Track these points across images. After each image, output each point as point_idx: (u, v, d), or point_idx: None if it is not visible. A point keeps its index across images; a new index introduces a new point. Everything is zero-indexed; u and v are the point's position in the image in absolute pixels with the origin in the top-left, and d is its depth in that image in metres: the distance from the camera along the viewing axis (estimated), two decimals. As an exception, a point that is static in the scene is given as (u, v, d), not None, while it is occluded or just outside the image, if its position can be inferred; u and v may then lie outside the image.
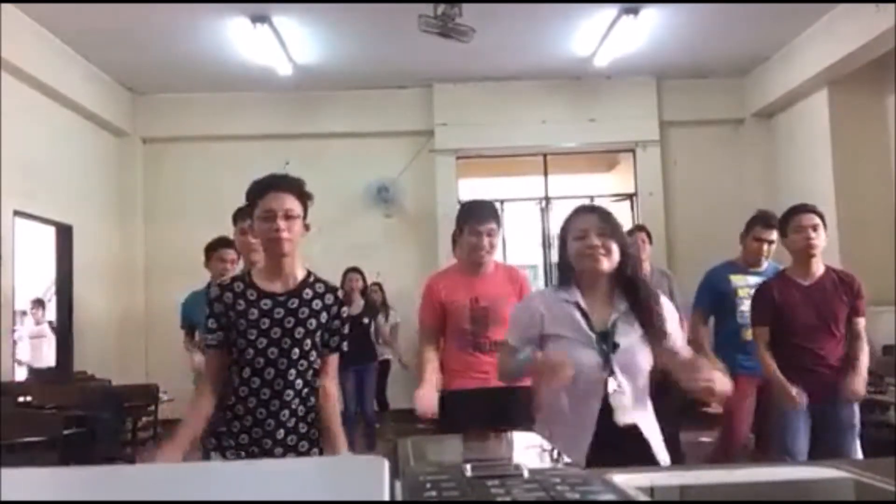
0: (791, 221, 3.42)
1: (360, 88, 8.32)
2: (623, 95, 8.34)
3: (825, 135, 7.32)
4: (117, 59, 7.37)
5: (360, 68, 7.81)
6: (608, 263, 2.15)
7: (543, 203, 8.82)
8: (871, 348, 3.56)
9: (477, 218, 3.13)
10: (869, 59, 6.53)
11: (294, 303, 2.33)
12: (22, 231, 6.54)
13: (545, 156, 8.73)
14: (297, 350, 2.30)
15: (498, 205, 8.79)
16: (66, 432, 4.47)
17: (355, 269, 6.82)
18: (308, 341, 2.32)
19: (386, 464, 0.88)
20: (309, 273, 2.42)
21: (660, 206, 8.32)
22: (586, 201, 9.24)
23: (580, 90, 8.33)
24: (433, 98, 8.43)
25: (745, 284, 4.03)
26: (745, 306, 3.88)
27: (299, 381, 2.31)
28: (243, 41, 6.86)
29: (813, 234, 3.35)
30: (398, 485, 0.85)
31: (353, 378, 6.57)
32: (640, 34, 6.93)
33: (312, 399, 2.35)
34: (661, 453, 2.13)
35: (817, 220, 3.38)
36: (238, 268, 3.73)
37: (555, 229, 8.85)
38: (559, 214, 8.78)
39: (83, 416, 5.03)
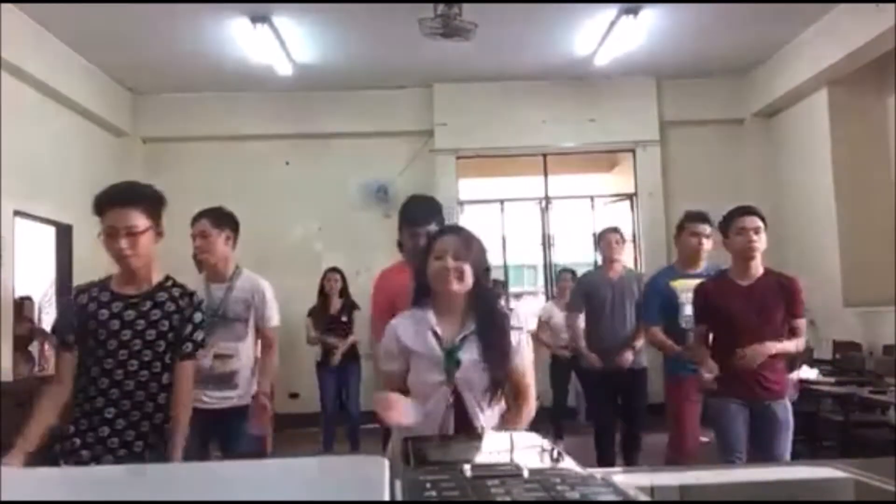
0: (734, 223, 3.46)
1: (360, 88, 8.32)
2: (623, 95, 8.33)
3: (825, 135, 7.32)
4: (117, 59, 7.37)
5: (360, 68, 7.81)
6: (458, 286, 2.23)
7: (543, 203, 8.82)
8: (808, 348, 3.67)
9: (406, 217, 3.10)
10: (869, 59, 6.53)
11: (146, 305, 2.34)
12: (22, 231, 6.53)
13: (545, 156, 8.73)
14: (148, 352, 2.30)
15: (498, 205, 8.92)
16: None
17: (335, 269, 6.91)
18: (162, 342, 2.32)
19: (386, 464, 0.89)
20: (167, 277, 2.43)
21: (660, 206, 8.32)
22: (587, 201, 9.32)
23: (580, 90, 8.33)
24: (433, 98, 8.43)
25: (684, 288, 4.03)
26: (688, 310, 3.91)
27: (153, 384, 2.31)
28: (243, 41, 6.86)
29: (755, 237, 3.39)
30: (398, 485, 0.85)
31: (335, 377, 6.60)
32: (640, 34, 6.93)
33: (163, 402, 2.33)
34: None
35: (759, 223, 3.43)
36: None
37: (555, 229, 8.88)
38: (559, 214, 8.80)
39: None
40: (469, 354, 2.22)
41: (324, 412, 6.73)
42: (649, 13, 6.52)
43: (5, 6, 5.76)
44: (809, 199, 7.51)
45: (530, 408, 2.29)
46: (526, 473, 0.83)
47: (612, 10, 6.50)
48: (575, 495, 0.76)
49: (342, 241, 8.15)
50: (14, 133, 6.07)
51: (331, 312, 6.77)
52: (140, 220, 2.30)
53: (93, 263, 7.51)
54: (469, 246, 2.27)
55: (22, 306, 6.80)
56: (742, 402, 3.36)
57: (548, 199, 8.80)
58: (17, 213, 6.32)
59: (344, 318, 6.73)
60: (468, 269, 2.23)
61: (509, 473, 0.83)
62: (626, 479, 0.99)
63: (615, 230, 5.13)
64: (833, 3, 6.45)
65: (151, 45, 6.96)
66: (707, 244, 4.12)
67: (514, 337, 2.28)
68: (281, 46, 6.97)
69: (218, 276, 3.58)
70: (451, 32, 5.92)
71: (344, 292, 6.87)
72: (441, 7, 5.86)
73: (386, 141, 8.52)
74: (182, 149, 8.53)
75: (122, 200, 2.29)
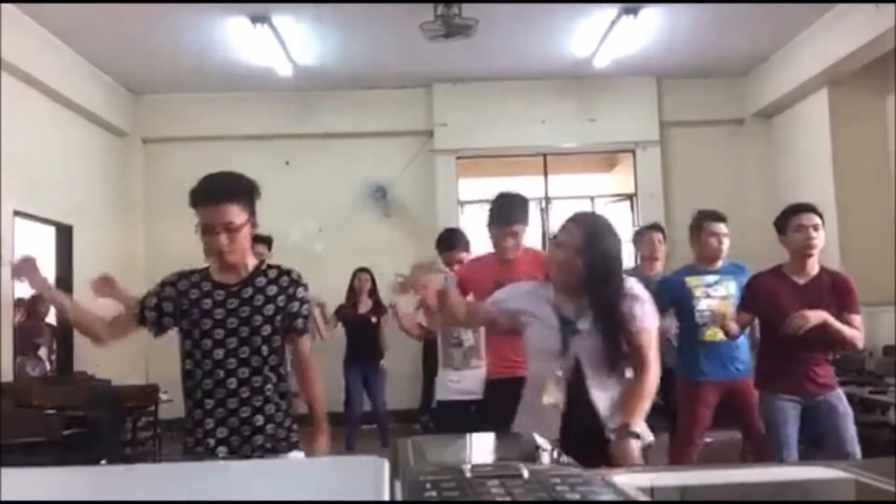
0: (792, 220, 3.43)
1: (360, 88, 8.32)
2: (623, 95, 8.33)
3: (825, 135, 7.32)
4: (117, 59, 7.37)
5: (360, 68, 7.81)
6: (567, 277, 2.40)
7: (543, 203, 8.82)
8: (865, 347, 3.65)
9: (493, 218, 3.32)
10: (869, 59, 6.53)
11: (248, 292, 2.32)
12: (22, 231, 6.53)
13: (545, 156, 8.73)
14: (257, 338, 2.29)
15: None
16: (66, 432, 4.48)
17: (364, 269, 6.86)
18: (268, 327, 2.30)
19: (386, 464, 0.89)
20: (262, 261, 2.43)
21: (660, 206, 8.31)
22: (586, 202, 9.32)
23: (580, 90, 8.33)
24: (433, 98, 8.43)
25: (700, 283, 4.00)
26: (703, 305, 3.90)
27: (266, 368, 2.30)
28: (243, 41, 6.86)
29: (814, 234, 3.37)
30: (398, 485, 0.85)
31: (361, 379, 6.59)
32: (640, 34, 6.93)
33: (283, 386, 2.36)
34: (610, 423, 2.33)
35: (818, 220, 3.41)
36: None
37: (555, 229, 8.86)
38: (559, 214, 8.79)
39: (83, 416, 5.04)
40: (585, 325, 2.36)
41: (349, 411, 6.64)
42: (649, 13, 6.51)
43: (5, 6, 5.76)
44: (809, 199, 7.44)
45: (651, 380, 2.33)
46: (526, 473, 0.83)
47: (611, 11, 6.50)
48: (575, 496, 0.76)
49: (342, 241, 8.15)
50: (14, 133, 6.07)
51: (360, 312, 6.77)
52: (238, 215, 2.28)
53: (93, 263, 7.55)
54: (593, 240, 2.37)
55: (35, 304, 6.77)
56: (796, 400, 3.34)
57: (548, 199, 8.79)
58: (17, 213, 6.32)
59: (374, 319, 6.71)
60: (582, 263, 2.35)
61: (509, 473, 0.83)
62: (626, 479, 0.99)
63: (658, 227, 5.03)
64: (833, 3, 6.45)
65: (151, 45, 6.96)
66: (726, 243, 4.08)
67: (631, 307, 2.38)
68: (281, 46, 6.96)
69: None
70: (453, 32, 5.92)
71: (373, 293, 6.83)
72: (441, 8, 5.86)
73: (386, 141, 8.52)
74: (182, 149, 8.52)
75: (220, 196, 2.27)
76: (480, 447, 1.23)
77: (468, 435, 1.27)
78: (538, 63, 7.79)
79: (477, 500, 0.75)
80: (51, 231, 7.20)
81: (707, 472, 1.23)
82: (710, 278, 3.94)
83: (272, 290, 2.33)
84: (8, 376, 6.06)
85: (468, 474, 0.83)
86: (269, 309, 2.31)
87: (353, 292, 6.84)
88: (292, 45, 7.04)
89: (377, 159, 8.48)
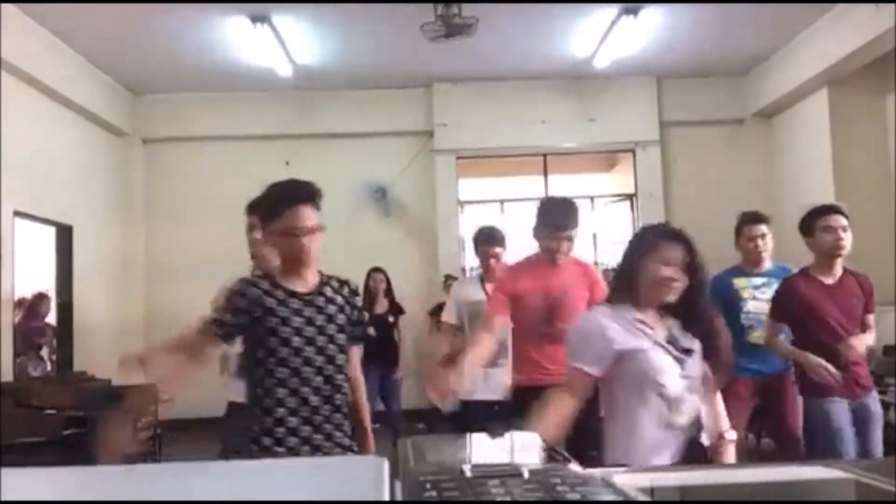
0: (819, 221, 3.41)
1: (360, 88, 8.32)
2: (623, 95, 8.33)
3: (825, 135, 7.32)
4: (117, 59, 7.37)
5: (360, 68, 7.81)
6: (675, 297, 2.19)
7: (543, 203, 8.81)
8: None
9: (551, 222, 3.23)
10: (869, 59, 6.53)
11: (320, 300, 2.34)
12: (22, 231, 6.53)
13: (545, 156, 8.73)
14: (332, 346, 2.32)
15: (498, 205, 8.92)
16: (66, 432, 4.48)
17: (379, 270, 6.86)
18: (341, 335, 2.34)
19: (386, 464, 0.89)
20: (319, 271, 2.44)
21: (660, 206, 8.32)
22: (587, 202, 9.32)
23: (580, 90, 8.33)
24: (433, 98, 8.43)
25: (748, 285, 3.97)
26: (750, 306, 3.87)
27: (339, 377, 2.34)
28: (243, 41, 6.86)
29: (843, 235, 3.36)
30: (398, 485, 0.85)
31: (378, 379, 6.60)
32: (640, 34, 6.93)
33: (346, 393, 2.39)
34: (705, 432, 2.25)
35: (846, 222, 3.40)
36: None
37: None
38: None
39: (83, 416, 5.04)
40: (690, 343, 2.20)
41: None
42: (649, 13, 6.51)
43: (5, 6, 5.76)
44: (809, 199, 7.49)
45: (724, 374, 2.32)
46: (526, 473, 0.83)
47: (611, 11, 6.50)
48: (575, 496, 0.76)
49: (342, 241, 8.13)
50: (14, 133, 6.07)
51: (376, 312, 6.76)
52: (316, 219, 2.30)
53: (93, 263, 7.56)
54: (695, 256, 2.19)
55: (36, 304, 6.77)
56: (846, 401, 3.31)
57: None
58: (17, 213, 6.32)
59: (391, 319, 6.75)
60: (685, 282, 2.17)
61: (509, 473, 0.83)
62: (626, 479, 0.99)
63: (763, 219, 4.75)
64: (833, 3, 6.45)
65: (151, 45, 6.96)
66: (764, 243, 4.01)
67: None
68: (281, 46, 6.97)
69: None
70: (454, 31, 5.92)
71: (389, 292, 6.84)
72: (440, 8, 5.86)
73: (386, 141, 8.52)
74: (182, 149, 8.53)
75: (301, 200, 2.28)
76: (480, 447, 1.23)
77: (468, 435, 1.27)
78: (538, 63, 7.79)
79: (477, 500, 0.75)
80: (51, 231, 7.20)
81: (707, 472, 1.23)
82: (758, 280, 3.90)
83: (339, 299, 2.38)
84: (8, 376, 6.06)
85: (468, 474, 0.83)
86: (341, 318, 2.35)
87: (368, 293, 6.82)
88: (292, 45, 7.04)
89: (377, 159, 8.48)
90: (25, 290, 7.04)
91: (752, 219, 4.04)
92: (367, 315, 2.51)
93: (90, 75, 7.46)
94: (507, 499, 0.75)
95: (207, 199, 8.24)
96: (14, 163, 6.05)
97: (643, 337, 2.17)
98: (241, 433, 2.34)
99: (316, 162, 8.40)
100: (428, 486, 0.79)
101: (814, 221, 3.43)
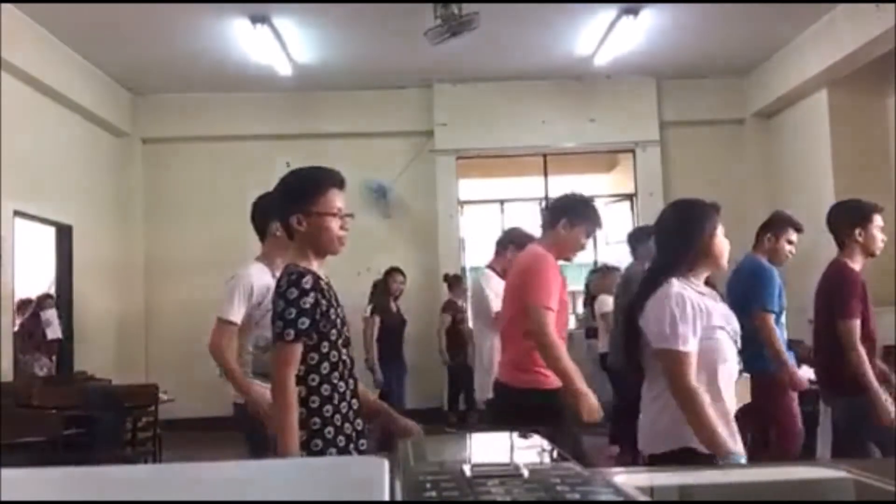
0: (874, 219, 3.39)
1: (360, 88, 8.32)
2: (623, 95, 8.34)
3: (825, 135, 7.32)
4: (117, 59, 7.37)
5: (360, 68, 7.81)
6: None
7: (543, 203, 8.81)
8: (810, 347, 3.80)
9: (598, 223, 3.26)
10: (869, 59, 6.53)
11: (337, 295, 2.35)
12: (22, 231, 6.54)
13: (545, 156, 8.73)
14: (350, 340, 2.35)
15: (498, 205, 8.92)
16: (66, 432, 4.47)
17: (398, 270, 7.00)
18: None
19: (386, 464, 0.89)
20: None
21: (660, 206, 8.23)
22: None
23: (580, 90, 8.33)
24: (433, 98, 8.43)
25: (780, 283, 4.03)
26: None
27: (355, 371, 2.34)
28: (243, 41, 6.86)
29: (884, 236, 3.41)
30: (398, 485, 0.85)
31: (395, 377, 6.71)
32: (640, 34, 6.93)
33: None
34: None
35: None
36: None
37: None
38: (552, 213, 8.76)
39: (83, 416, 5.04)
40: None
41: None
42: (649, 13, 6.52)
43: (5, 6, 5.76)
44: (809, 199, 7.51)
45: None
46: (526, 473, 0.83)
47: (612, 11, 6.50)
48: (575, 495, 0.76)
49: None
50: (14, 133, 6.07)
51: (394, 311, 6.93)
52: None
53: (93, 263, 7.56)
54: None
55: (41, 305, 6.78)
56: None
57: (548, 199, 8.78)
58: (17, 213, 6.32)
59: (405, 317, 6.98)
60: None
61: (509, 473, 0.83)
62: (626, 479, 0.99)
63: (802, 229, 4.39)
64: (833, 3, 6.45)
65: (151, 45, 6.96)
66: (792, 250, 4.14)
67: None
68: (281, 46, 6.97)
69: None
70: (457, 30, 5.92)
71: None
72: (439, 8, 5.86)
73: (386, 141, 8.52)
74: (182, 149, 8.54)
75: (341, 184, 2.29)
76: (480, 447, 1.23)
77: (468, 435, 1.26)
78: (538, 63, 7.79)
79: (477, 500, 0.75)
80: (51, 231, 7.21)
81: (707, 472, 1.23)
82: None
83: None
84: (8, 376, 6.06)
85: (468, 474, 0.83)
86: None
87: (388, 292, 6.90)
88: (292, 45, 7.04)
89: (377, 159, 8.48)
90: (26, 291, 7.06)
91: (796, 227, 4.11)
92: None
93: (90, 75, 7.46)
94: (507, 499, 0.75)
95: (207, 199, 8.25)
96: (14, 163, 6.05)
97: (723, 319, 2.20)
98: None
99: (316, 162, 8.26)
100: (428, 485, 0.79)
101: (870, 217, 3.38)
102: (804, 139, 7.75)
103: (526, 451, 1.13)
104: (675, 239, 2.32)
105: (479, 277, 4.97)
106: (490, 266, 4.59)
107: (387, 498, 0.79)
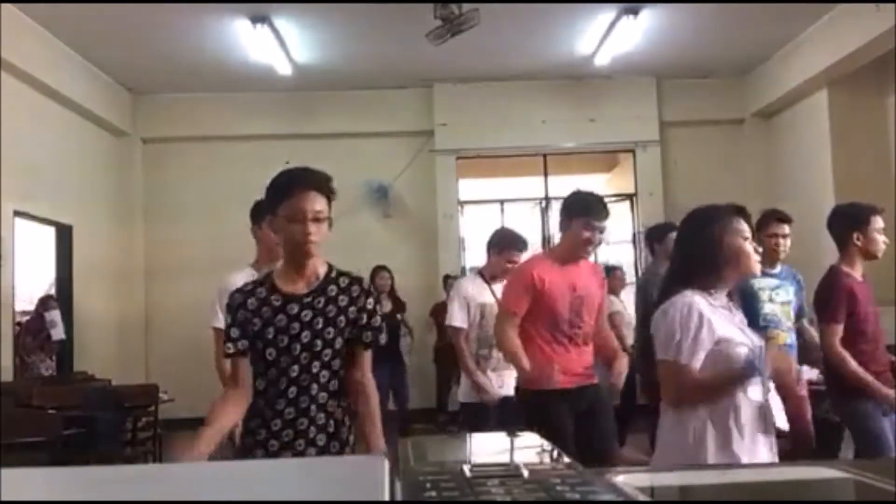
0: (874, 221, 3.35)
1: (360, 88, 8.32)
2: (623, 95, 8.33)
3: (825, 135, 7.32)
4: (117, 59, 7.37)
5: (360, 68, 7.81)
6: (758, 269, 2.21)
7: (543, 203, 8.82)
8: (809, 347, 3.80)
9: (594, 214, 3.15)
10: (869, 59, 6.53)
11: (320, 302, 2.23)
12: (22, 231, 6.54)
13: (545, 156, 8.73)
14: (328, 351, 2.21)
15: (498, 205, 8.91)
16: (66, 432, 4.47)
17: (384, 268, 6.97)
18: (339, 339, 2.22)
19: (386, 464, 0.88)
20: (330, 267, 2.32)
21: (660, 206, 8.31)
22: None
23: (580, 90, 8.33)
24: (433, 98, 8.43)
25: (765, 286, 3.84)
26: (767, 309, 3.77)
27: (334, 382, 2.23)
28: (243, 41, 6.86)
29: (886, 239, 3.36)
30: (398, 485, 0.85)
31: (388, 375, 6.70)
32: (640, 34, 6.93)
33: (344, 400, 2.27)
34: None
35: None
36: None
37: (556, 230, 8.85)
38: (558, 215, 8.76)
39: (83, 416, 5.03)
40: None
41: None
42: (649, 13, 6.52)
43: (5, 6, 5.76)
44: (809, 199, 7.51)
45: None
46: (526, 473, 0.83)
47: (612, 11, 6.50)
48: (575, 495, 0.76)
49: (342, 241, 8.13)
50: (14, 133, 6.07)
51: (383, 311, 6.86)
52: (324, 207, 2.23)
53: (93, 263, 7.56)
54: (752, 228, 2.27)
55: (43, 305, 6.78)
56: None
57: (548, 199, 8.79)
58: (17, 213, 6.32)
59: (398, 316, 6.94)
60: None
61: (509, 473, 0.83)
62: (626, 479, 0.99)
63: (788, 219, 4.36)
64: (833, 3, 6.45)
65: (151, 45, 6.96)
66: (785, 244, 3.91)
67: None
68: (281, 46, 6.97)
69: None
70: (458, 28, 5.91)
71: (392, 290, 7.05)
72: (439, 8, 5.86)
73: (386, 141, 8.52)
74: (182, 149, 8.54)
75: (310, 185, 2.21)
76: (480, 447, 1.23)
77: (468, 435, 1.27)
78: (538, 63, 7.79)
79: (477, 500, 0.75)
80: (51, 231, 7.21)
81: (707, 472, 1.23)
82: (773, 282, 3.80)
83: (343, 299, 2.25)
84: (8, 376, 6.06)
85: (468, 474, 0.83)
86: (342, 320, 2.23)
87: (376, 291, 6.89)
88: (292, 45, 7.04)
89: (377, 159, 8.48)
90: (26, 291, 7.06)
91: (778, 217, 3.93)
92: (380, 319, 2.33)
93: (90, 75, 7.46)
94: (507, 499, 0.75)
95: (207, 199, 8.25)
96: (14, 163, 6.05)
97: (731, 323, 2.13)
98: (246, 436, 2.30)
99: (316, 162, 8.23)
100: (428, 485, 0.79)
101: (869, 221, 3.34)
102: (804, 139, 7.75)
103: (526, 451, 1.12)
104: (686, 247, 2.28)
105: (455, 282, 5.01)
106: (480, 270, 4.48)
107: (387, 498, 0.79)
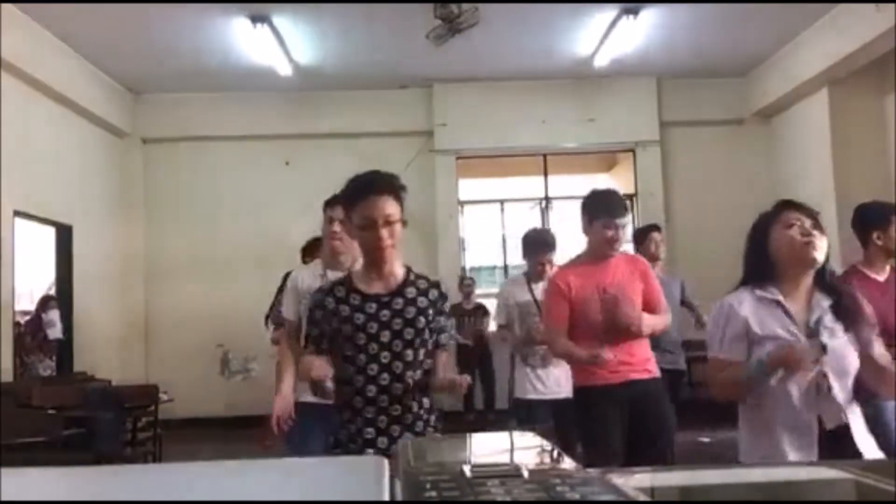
0: (893, 220, 3.31)
1: (360, 88, 8.32)
2: (623, 95, 8.34)
3: (825, 135, 7.32)
4: (117, 59, 7.37)
5: (360, 68, 7.81)
6: (821, 255, 2.09)
7: (543, 203, 8.82)
8: None
9: (610, 210, 3.16)
10: (869, 59, 6.53)
11: (399, 303, 2.24)
12: (22, 231, 6.53)
13: (545, 156, 8.73)
14: (409, 352, 2.22)
15: (498, 205, 8.92)
16: (66, 432, 4.47)
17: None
18: (418, 340, 2.24)
19: (386, 464, 0.89)
20: (408, 270, 2.34)
21: (660, 206, 8.32)
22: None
23: (580, 90, 8.33)
24: (433, 98, 8.43)
25: None
26: None
27: (413, 382, 2.24)
28: (243, 41, 6.86)
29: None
30: (398, 485, 0.85)
31: None
32: (640, 34, 6.93)
33: (427, 401, 2.28)
34: (871, 454, 2.05)
35: None
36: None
37: (555, 230, 8.83)
38: (559, 215, 8.78)
39: (83, 416, 5.04)
40: (833, 339, 2.03)
41: None
42: (649, 13, 6.52)
43: (5, 6, 5.76)
44: (809, 199, 7.44)
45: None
46: (526, 473, 0.83)
47: (611, 11, 6.50)
48: (575, 495, 0.76)
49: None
50: (14, 133, 6.07)
51: None
52: (395, 210, 2.24)
53: (93, 263, 7.56)
54: (817, 218, 2.15)
55: (44, 306, 6.79)
56: None
57: (548, 199, 8.79)
58: (17, 213, 6.32)
59: None
60: (824, 242, 2.09)
61: (509, 473, 0.83)
62: (626, 479, 0.99)
63: (657, 228, 4.74)
64: (833, 3, 6.45)
65: (151, 45, 6.96)
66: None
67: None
68: (281, 46, 6.97)
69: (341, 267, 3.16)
70: (459, 27, 5.92)
71: None
72: (439, 8, 5.86)
73: (386, 141, 8.52)
74: (182, 149, 8.53)
75: (378, 190, 2.22)
76: (480, 447, 1.23)
77: (468, 435, 1.27)
78: (538, 63, 7.79)
79: (477, 500, 0.75)
80: (51, 231, 7.21)
81: (707, 472, 1.23)
82: None
83: (422, 301, 2.27)
84: (8, 376, 6.06)
85: (468, 474, 0.83)
86: (421, 322, 2.24)
87: None
88: (292, 45, 7.04)
89: (377, 159, 8.40)
90: (27, 291, 7.06)
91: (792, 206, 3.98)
92: (453, 321, 2.38)
93: (90, 75, 7.46)
94: (507, 499, 0.75)
95: (207, 198, 8.25)
96: (14, 163, 6.05)
97: (782, 321, 2.07)
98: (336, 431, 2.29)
99: (316, 162, 8.41)
100: (428, 486, 0.79)
101: (891, 220, 3.29)
102: (804, 139, 7.76)
103: (526, 451, 1.12)
104: (744, 249, 2.28)
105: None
106: (525, 271, 4.56)
107: (387, 498, 0.79)
